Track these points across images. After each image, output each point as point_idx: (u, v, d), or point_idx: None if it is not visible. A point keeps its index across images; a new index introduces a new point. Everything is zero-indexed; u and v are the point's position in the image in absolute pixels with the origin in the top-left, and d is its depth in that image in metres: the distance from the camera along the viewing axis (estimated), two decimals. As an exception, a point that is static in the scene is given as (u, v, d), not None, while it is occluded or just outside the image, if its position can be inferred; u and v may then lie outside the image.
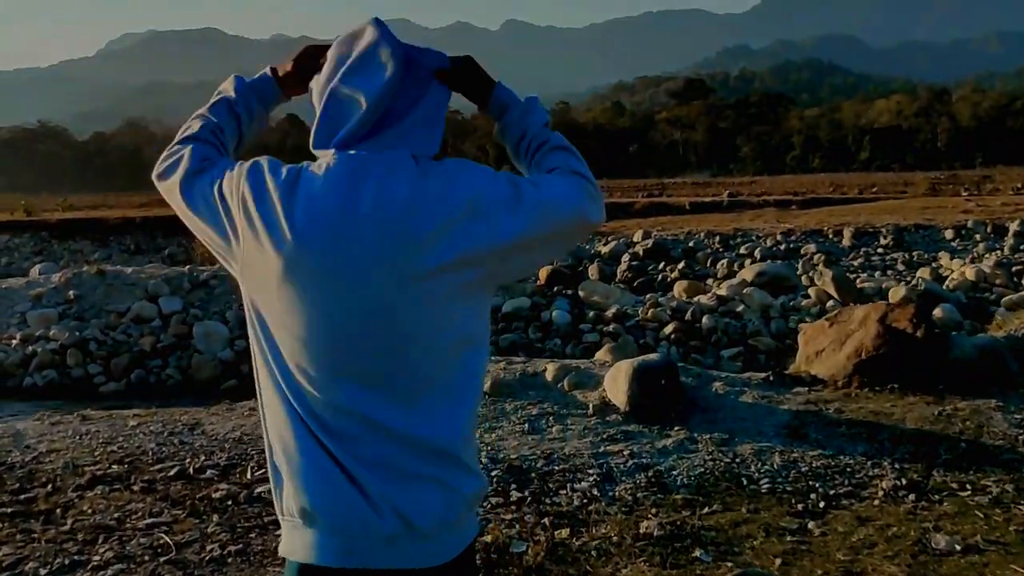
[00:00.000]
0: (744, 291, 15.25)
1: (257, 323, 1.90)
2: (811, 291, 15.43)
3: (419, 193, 1.82)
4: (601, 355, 7.81)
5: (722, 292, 15.30)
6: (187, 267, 16.86)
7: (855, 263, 21.78)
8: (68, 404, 13.15)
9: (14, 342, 14.68)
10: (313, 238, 1.79)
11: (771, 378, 7.31)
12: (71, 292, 15.70)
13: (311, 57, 2.12)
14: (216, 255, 1.98)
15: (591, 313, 14.99)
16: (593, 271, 19.88)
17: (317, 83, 1.99)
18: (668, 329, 14.42)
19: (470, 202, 1.84)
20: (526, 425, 6.49)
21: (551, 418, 6.62)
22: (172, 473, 5.88)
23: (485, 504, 5.12)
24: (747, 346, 14.18)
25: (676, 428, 6.38)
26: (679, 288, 16.09)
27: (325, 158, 1.89)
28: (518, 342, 14.41)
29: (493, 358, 7.87)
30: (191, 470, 5.93)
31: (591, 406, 6.75)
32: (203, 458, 6.16)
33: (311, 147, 1.94)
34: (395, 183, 1.83)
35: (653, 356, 6.83)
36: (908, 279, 17.79)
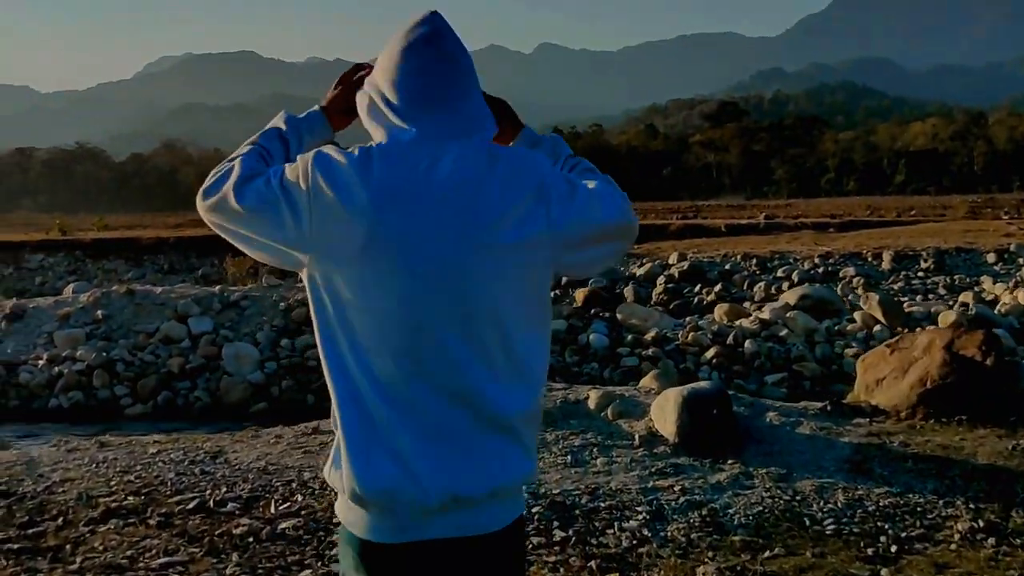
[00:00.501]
0: (787, 315, 14.77)
1: (329, 300, 1.95)
2: (856, 315, 14.92)
3: (490, 174, 1.93)
4: (646, 382, 7.37)
5: (764, 316, 14.83)
6: (218, 287, 16.56)
7: (895, 287, 21.37)
8: (92, 426, 12.90)
9: (40, 362, 14.43)
10: (390, 207, 1.88)
11: (828, 408, 6.85)
12: (99, 312, 15.44)
13: (354, 72, 2.30)
14: (275, 252, 2.00)
15: (629, 336, 14.56)
16: (628, 293, 19.45)
17: (383, 71, 2.07)
18: (709, 354, 13.96)
19: (536, 188, 1.95)
20: (568, 457, 6.08)
21: (595, 449, 6.20)
22: (191, 506, 5.51)
23: (526, 544, 4.71)
24: (792, 371, 13.69)
25: (730, 461, 5.95)
26: (720, 311, 15.62)
27: (398, 136, 1.98)
28: (554, 366, 13.98)
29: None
30: (211, 503, 5.56)
31: (637, 437, 6.33)
32: (224, 489, 5.79)
33: (381, 125, 2.03)
34: (468, 162, 1.94)
35: (703, 384, 6.40)
36: (951, 303, 17.37)
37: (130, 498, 5.71)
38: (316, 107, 2.34)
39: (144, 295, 15.93)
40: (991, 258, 24.04)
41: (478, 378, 1.94)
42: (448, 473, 1.91)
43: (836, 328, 14.69)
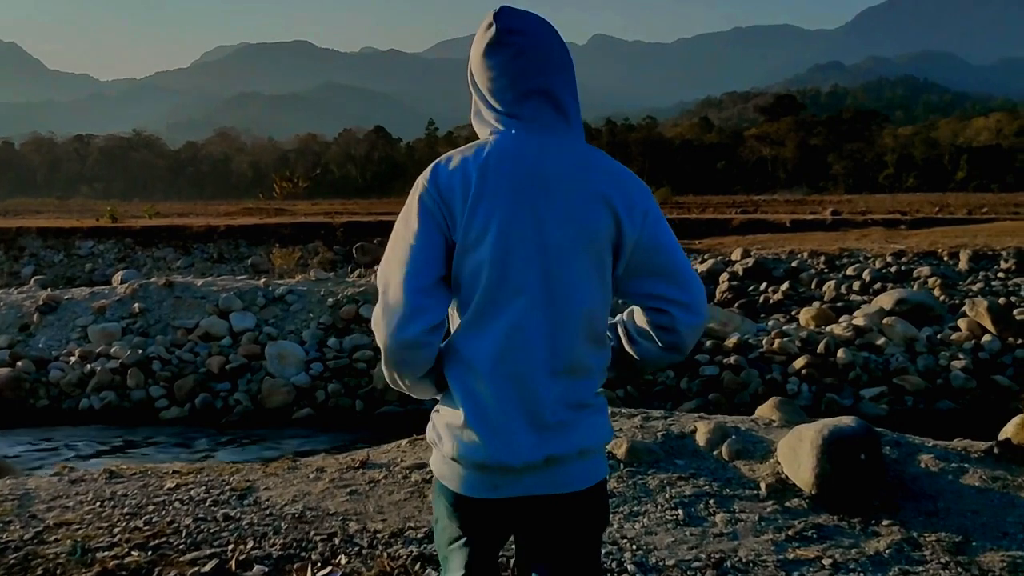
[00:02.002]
0: (883, 321, 13.38)
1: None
2: (961, 323, 13.49)
3: (584, 164, 2.23)
4: (765, 411, 6.10)
5: (859, 322, 13.44)
6: (262, 280, 15.48)
7: (973, 288, 20.25)
8: (124, 430, 11.90)
9: (72, 359, 13.46)
10: (498, 195, 2.16)
11: (996, 450, 5.52)
12: (136, 305, 14.43)
13: None
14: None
15: (708, 342, 13.25)
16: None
17: (475, 74, 2.29)
18: (798, 364, 12.63)
19: (627, 196, 2.23)
20: (679, 511, 4.84)
21: (711, 501, 4.96)
22: (207, 568, 4.35)
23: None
24: (892, 385, 12.34)
25: (885, 522, 4.69)
26: (806, 316, 14.26)
27: (500, 134, 2.24)
28: (626, 374, 12.73)
29: (624, 409, 6.23)
30: (233, 563, 4.40)
31: (763, 486, 5.08)
32: (251, 544, 4.63)
33: (486, 126, 2.30)
34: (569, 153, 2.23)
35: (845, 420, 5.11)
36: None
37: (135, 553, 4.57)
38: None
39: (184, 288, 14.89)
40: None
41: (568, 348, 2.19)
42: (544, 433, 2.16)
43: (938, 337, 13.27)
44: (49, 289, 16.59)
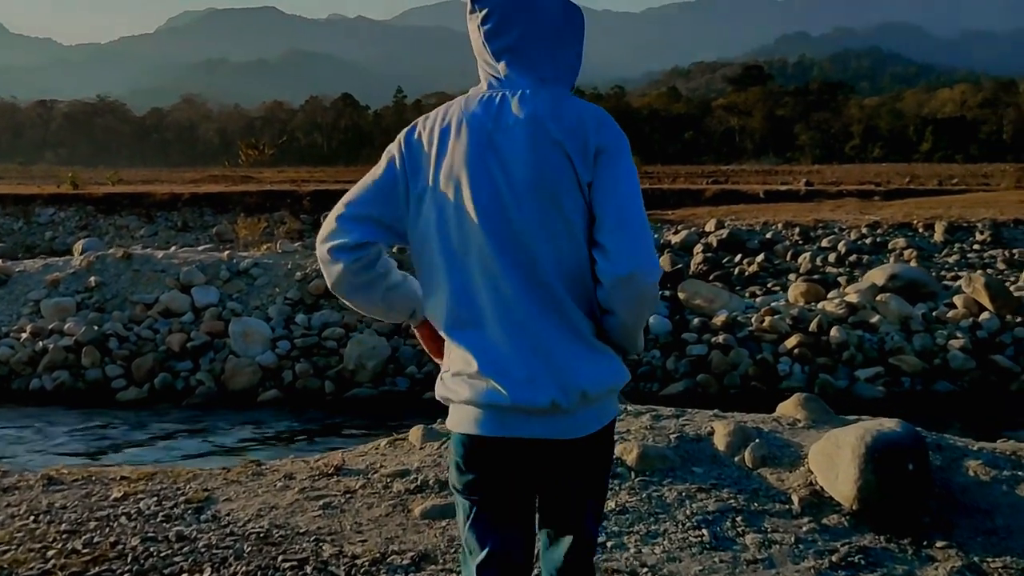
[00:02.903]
0: (878, 298, 12.81)
1: (420, 238, 2.33)
2: (957, 300, 12.96)
3: (546, 114, 2.27)
4: (788, 409, 5.46)
5: (852, 299, 12.86)
6: (226, 252, 14.68)
7: (949, 260, 20.04)
8: (77, 412, 11.17)
9: (23, 335, 12.68)
10: (457, 140, 2.27)
11: (1050, 455, 4.92)
12: (92, 279, 13.62)
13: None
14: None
15: (695, 320, 12.65)
16: (664, 262, 17.60)
17: (473, 29, 2.38)
18: (790, 343, 12.05)
19: (584, 139, 2.26)
20: (704, 531, 4.20)
21: (739, 518, 4.32)
22: (155, 606, 3.69)
23: None
24: (888, 366, 11.79)
25: (939, 544, 4.09)
26: (795, 291, 13.68)
27: (489, 83, 2.37)
28: (610, 353, 12.12)
29: (630, 407, 5.58)
30: (186, 598, 3.74)
31: (795, 499, 4.45)
32: (208, 572, 3.96)
33: (483, 75, 2.38)
34: (533, 103, 2.28)
35: (889, 424, 4.49)
36: (1012, 280, 15.75)
37: (70, 583, 3.90)
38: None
39: (143, 260, 14.09)
40: None
41: (566, 294, 2.26)
42: (547, 378, 2.21)
43: (934, 314, 12.73)
44: (3, 260, 15.71)
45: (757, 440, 4.90)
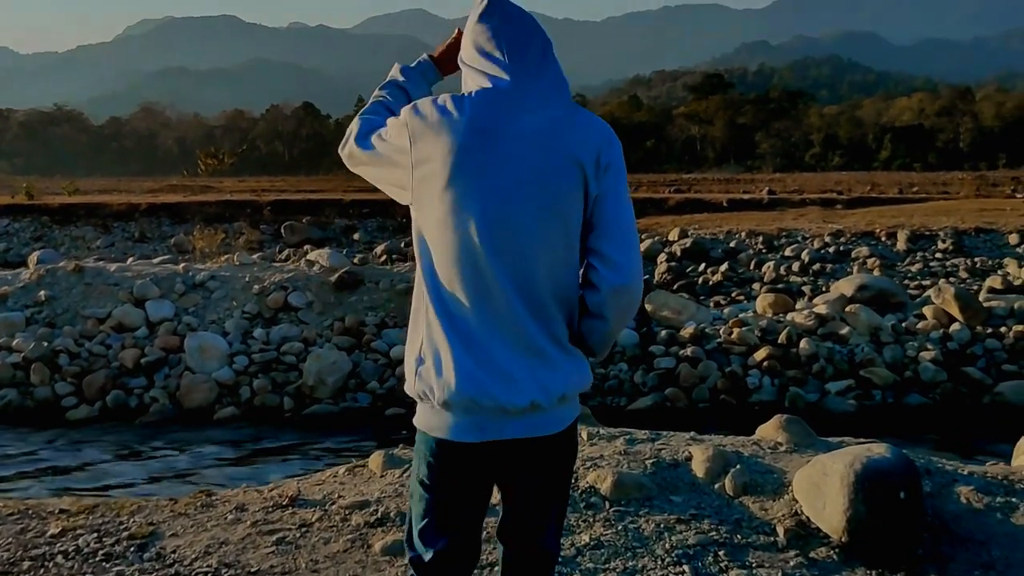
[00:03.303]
0: (847, 309, 12.65)
1: (426, 226, 2.44)
2: (926, 311, 12.81)
3: (559, 121, 2.44)
4: (768, 432, 5.21)
5: (820, 310, 12.69)
6: (181, 265, 14.28)
7: (912, 268, 20.31)
8: (25, 432, 10.74)
9: (-31, 353, 12.21)
10: (475, 140, 2.36)
11: (1042, 479, 4.70)
12: (42, 293, 13.17)
13: (457, 40, 2.70)
14: (397, 194, 2.55)
15: (662, 332, 12.41)
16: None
17: (470, 38, 2.55)
18: (759, 355, 11.84)
19: (596, 151, 2.44)
20: (685, 567, 3.92)
21: (721, 552, 4.05)
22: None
23: None
24: (859, 378, 11.61)
25: (934, 579, 3.86)
26: (764, 302, 13.48)
27: (491, 85, 2.46)
28: (576, 366, 11.85)
29: (603, 430, 5.31)
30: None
31: (780, 530, 4.20)
32: (150, 621, 3.65)
33: (472, 78, 2.53)
34: (550, 114, 2.45)
35: (878, 449, 4.24)
36: (975, 288, 15.87)
37: (-2, 634, 3.57)
38: (425, 56, 2.84)
39: (95, 273, 13.65)
40: (1014, 239, 22.48)
41: (544, 304, 2.39)
42: (527, 380, 2.34)
43: (904, 325, 12.57)
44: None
45: (738, 466, 4.64)
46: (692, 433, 5.38)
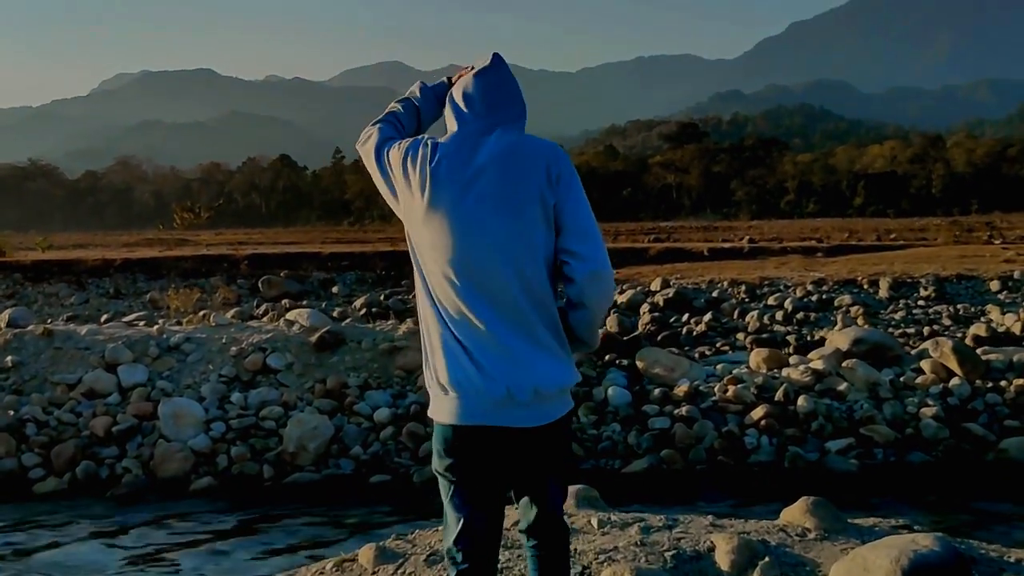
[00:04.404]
0: (844, 364, 12.30)
1: (415, 253, 3.05)
2: (924, 364, 12.47)
3: (521, 149, 3.03)
4: (794, 516, 4.80)
5: (817, 365, 12.34)
6: (155, 327, 13.80)
7: (896, 316, 20.20)
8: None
9: (-69, 423, 11.65)
10: (442, 184, 2.96)
11: (1096, 567, 4.30)
12: (9, 358, 12.65)
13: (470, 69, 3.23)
14: (386, 197, 3.16)
15: (655, 390, 12.02)
16: (611, 323, 17.19)
17: (463, 87, 3.13)
18: (756, 414, 11.45)
19: (546, 167, 3.03)
20: None
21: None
22: None
23: None
24: (859, 436, 11.22)
25: None
26: (757, 357, 13.11)
27: (465, 126, 3.09)
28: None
29: (614, 516, 4.88)
30: None
31: (820, 635, 3.79)
32: None
33: (457, 120, 3.14)
34: (505, 139, 3.05)
35: (924, 541, 3.85)
36: (960, 335, 15.84)
37: None
38: (445, 79, 3.31)
39: (65, 337, 13.16)
40: (995, 285, 22.64)
41: (526, 306, 2.91)
42: (507, 378, 2.86)
43: (902, 380, 12.23)
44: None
45: (766, 559, 4.22)
46: (710, 517, 4.96)
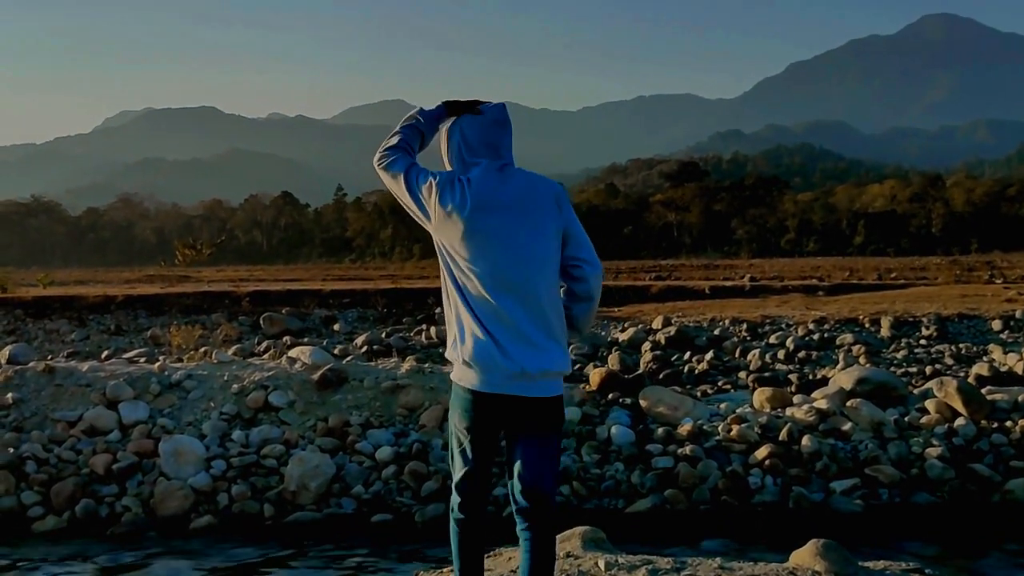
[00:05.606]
0: (848, 404, 12.25)
1: (448, 259, 3.88)
2: (929, 404, 12.42)
3: (535, 186, 3.97)
4: (804, 559, 4.76)
5: (821, 404, 12.28)
6: (156, 364, 13.76)
7: (898, 355, 20.06)
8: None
9: (-70, 461, 11.58)
10: (481, 212, 3.81)
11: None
12: (10, 395, 12.59)
13: (466, 105, 4.02)
14: (411, 210, 3.97)
15: (659, 429, 11.95)
16: (613, 361, 17.16)
17: (466, 130, 4.02)
18: (760, 453, 11.38)
19: (555, 195, 4.01)
20: None
21: None
22: None
23: None
24: (864, 476, 11.15)
25: None
26: (760, 397, 13.04)
27: (473, 168, 3.94)
28: (570, 467, 11.34)
29: (621, 559, 4.84)
30: None
31: None
32: None
33: (458, 161, 4.02)
34: (525, 180, 3.97)
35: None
36: (963, 375, 15.73)
37: None
38: (441, 103, 4.05)
39: (66, 374, 13.11)
40: (997, 325, 22.49)
41: (538, 308, 3.81)
42: (521, 357, 3.75)
43: (906, 420, 12.16)
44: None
45: (776, 606, 4.18)
46: (719, 560, 4.92)
